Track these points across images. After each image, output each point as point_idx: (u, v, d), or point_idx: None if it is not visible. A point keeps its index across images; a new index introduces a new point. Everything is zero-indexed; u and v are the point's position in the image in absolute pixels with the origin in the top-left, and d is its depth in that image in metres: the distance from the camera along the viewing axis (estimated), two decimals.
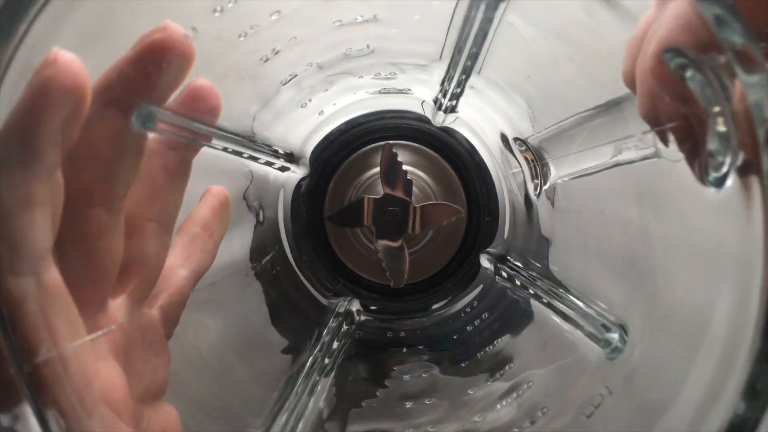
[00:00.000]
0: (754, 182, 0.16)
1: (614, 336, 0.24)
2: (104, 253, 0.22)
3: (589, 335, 0.25)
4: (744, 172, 0.17)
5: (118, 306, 0.23)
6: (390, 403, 0.33)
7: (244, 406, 0.31)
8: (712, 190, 0.18)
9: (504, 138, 0.36)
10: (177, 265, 0.27)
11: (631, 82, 0.23)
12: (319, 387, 0.33)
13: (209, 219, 0.29)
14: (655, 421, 0.19)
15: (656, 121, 0.22)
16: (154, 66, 0.22)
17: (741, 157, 0.17)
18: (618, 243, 0.26)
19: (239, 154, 0.33)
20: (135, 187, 0.24)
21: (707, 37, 0.17)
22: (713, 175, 0.18)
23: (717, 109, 0.18)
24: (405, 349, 0.37)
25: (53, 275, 0.18)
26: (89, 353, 0.20)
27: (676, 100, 0.19)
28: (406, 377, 0.35)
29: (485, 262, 0.39)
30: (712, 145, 0.18)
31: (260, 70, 0.30)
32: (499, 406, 0.27)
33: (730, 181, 0.18)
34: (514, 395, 0.28)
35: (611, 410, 0.21)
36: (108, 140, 0.21)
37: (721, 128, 0.18)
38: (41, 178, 0.18)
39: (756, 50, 0.16)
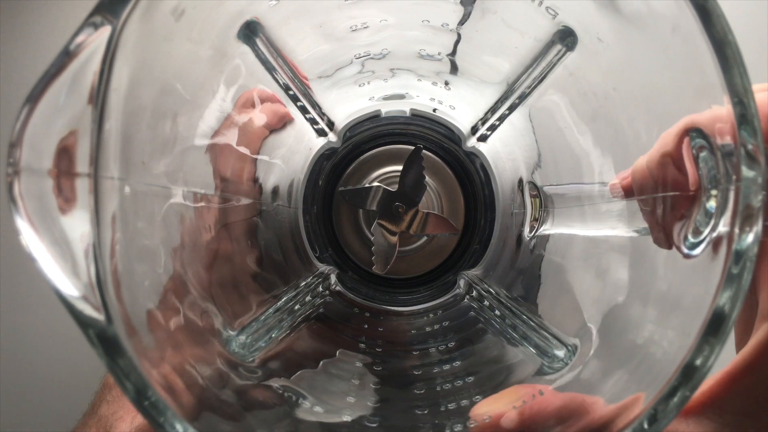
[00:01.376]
0: (722, 250, 0.20)
1: (560, 353, 0.27)
2: None
3: (537, 348, 0.29)
4: (717, 242, 0.21)
5: None
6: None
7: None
8: (684, 252, 0.22)
9: (520, 178, 0.40)
10: None
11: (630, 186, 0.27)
12: (284, 325, 0.36)
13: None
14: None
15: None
16: None
17: (719, 231, 0.21)
18: (591, 288, 0.29)
19: (296, 99, 0.36)
20: None
21: (729, 131, 0.20)
22: (690, 240, 0.22)
23: (714, 192, 0.22)
24: (366, 326, 0.40)
25: None
26: None
27: (682, 172, 0.22)
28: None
29: (461, 281, 0.43)
30: (698, 217, 0.22)
31: (346, 37, 0.33)
32: (439, 388, 0.30)
33: (701, 248, 0.21)
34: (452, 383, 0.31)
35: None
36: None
37: (711, 205, 0.21)
38: None
39: (761, 152, 0.20)
